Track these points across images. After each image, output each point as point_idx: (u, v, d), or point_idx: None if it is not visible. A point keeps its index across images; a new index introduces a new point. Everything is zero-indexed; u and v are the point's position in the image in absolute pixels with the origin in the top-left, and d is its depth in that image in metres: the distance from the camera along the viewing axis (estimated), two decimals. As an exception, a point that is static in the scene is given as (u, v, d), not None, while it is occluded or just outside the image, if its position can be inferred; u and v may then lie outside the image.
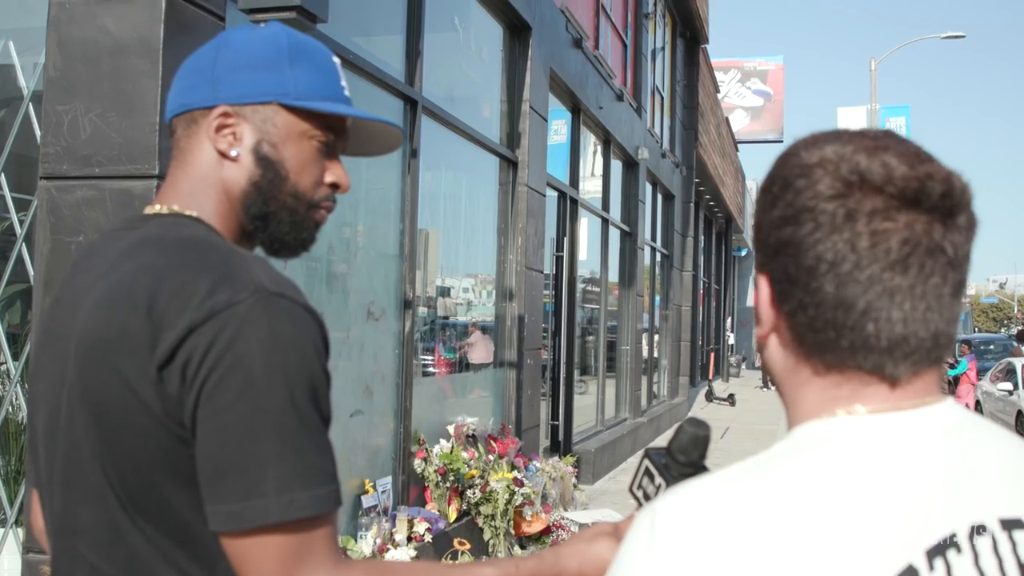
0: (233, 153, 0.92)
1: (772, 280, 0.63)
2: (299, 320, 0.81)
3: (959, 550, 0.55)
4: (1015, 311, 55.43)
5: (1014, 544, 0.57)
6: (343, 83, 0.97)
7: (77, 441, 0.84)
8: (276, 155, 0.93)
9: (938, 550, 0.55)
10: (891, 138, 0.62)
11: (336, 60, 0.98)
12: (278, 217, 0.94)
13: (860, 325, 0.59)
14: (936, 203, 0.59)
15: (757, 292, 0.66)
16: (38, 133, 2.75)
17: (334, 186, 0.97)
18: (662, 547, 0.55)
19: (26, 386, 2.81)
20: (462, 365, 5.43)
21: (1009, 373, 11.43)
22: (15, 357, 2.91)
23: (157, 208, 0.93)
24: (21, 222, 2.85)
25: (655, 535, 0.56)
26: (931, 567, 0.54)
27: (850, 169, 0.59)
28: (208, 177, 0.93)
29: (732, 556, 0.53)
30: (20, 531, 2.75)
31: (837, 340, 0.60)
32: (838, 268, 0.59)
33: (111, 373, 0.81)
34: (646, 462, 0.88)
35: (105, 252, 0.89)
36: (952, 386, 12.39)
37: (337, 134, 0.97)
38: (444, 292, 5.31)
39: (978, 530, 0.57)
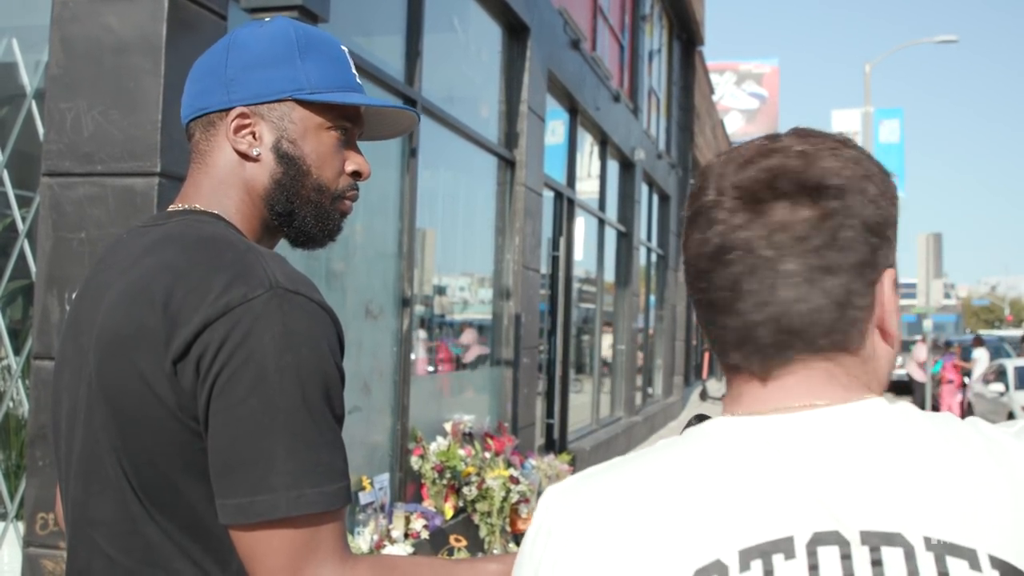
0: (254, 153, 0.92)
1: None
2: (313, 317, 0.81)
3: (790, 555, 0.53)
4: (1006, 313, 55.68)
5: (877, 559, 0.53)
6: (354, 71, 0.97)
7: (96, 434, 0.85)
8: (296, 151, 0.93)
9: (761, 551, 0.53)
10: (772, 139, 0.63)
11: (345, 49, 0.98)
12: (303, 212, 0.94)
13: (720, 322, 0.61)
14: (787, 191, 0.59)
15: None
16: (40, 130, 2.76)
17: (356, 174, 0.97)
18: (538, 532, 0.60)
19: (27, 382, 2.82)
20: (458, 363, 5.45)
21: (1001, 374, 11.50)
22: (16, 352, 2.92)
23: (180, 206, 0.93)
24: (23, 219, 2.87)
25: (536, 521, 0.61)
26: (745, 566, 0.53)
27: (715, 175, 0.62)
28: (229, 178, 0.93)
29: (574, 544, 0.57)
30: (21, 525, 2.76)
31: (711, 338, 0.63)
32: (699, 266, 0.62)
33: (128, 367, 0.82)
34: None
35: (129, 248, 0.90)
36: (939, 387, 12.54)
37: (353, 122, 0.97)
38: (441, 291, 5.33)
39: (823, 538, 0.53)
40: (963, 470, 0.56)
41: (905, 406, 0.60)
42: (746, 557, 0.53)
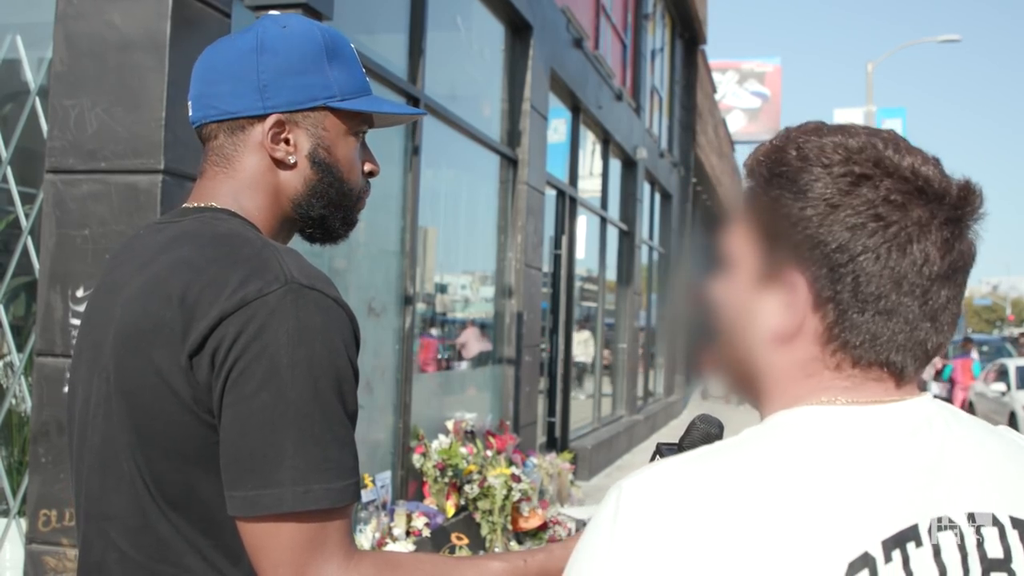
0: (291, 160, 0.93)
1: (810, 275, 0.61)
2: (328, 312, 0.81)
3: (919, 543, 0.56)
4: (1008, 313, 55.64)
5: (980, 539, 0.57)
6: (363, 70, 0.98)
7: (111, 429, 0.85)
8: (331, 159, 0.94)
9: (897, 541, 0.55)
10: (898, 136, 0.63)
11: (353, 47, 0.99)
12: (335, 216, 0.96)
13: (885, 324, 0.60)
14: (972, 216, 0.61)
15: (789, 287, 0.62)
16: (44, 127, 2.77)
17: (370, 174, 1.00)
18: (624, 524, 0.56)
19: (30, 378, 2.82)
20: (459, 361, 5.46)
21: (1002, 374, 11.49)
22: (19, 349, 2.92)
23: (195, 204, 0.94)
24: (27, 215, 2.87)
25: (619, 512, 0.57)
26: (888, 557, 0.54)
27: (876, 163, 0.60)
28: (258, 183, 0.93)
29: (690, 535, 0.54)
30: (23, 522, 2.76)
31: (851, 333, 0.60)
32: (879, 267, 0.59)
33: (145, 362, 0.82)
34: (658, 457, 0.88)
35: (145, 245, 0.91)
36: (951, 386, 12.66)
37: (370, 125, 0.99)
38: (443, 289, 5.34)
39: (942, 524, 0.57)
40: (1011, 455, 0.63)
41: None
42: (888, 547, 0.55)
